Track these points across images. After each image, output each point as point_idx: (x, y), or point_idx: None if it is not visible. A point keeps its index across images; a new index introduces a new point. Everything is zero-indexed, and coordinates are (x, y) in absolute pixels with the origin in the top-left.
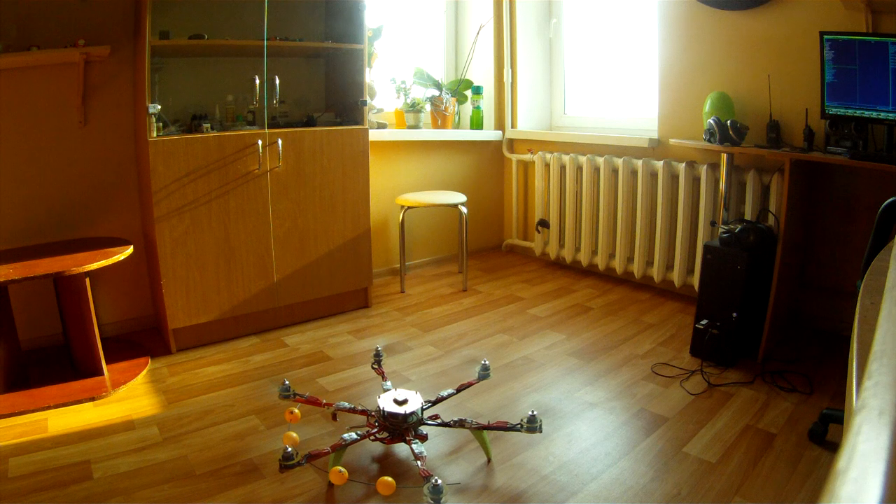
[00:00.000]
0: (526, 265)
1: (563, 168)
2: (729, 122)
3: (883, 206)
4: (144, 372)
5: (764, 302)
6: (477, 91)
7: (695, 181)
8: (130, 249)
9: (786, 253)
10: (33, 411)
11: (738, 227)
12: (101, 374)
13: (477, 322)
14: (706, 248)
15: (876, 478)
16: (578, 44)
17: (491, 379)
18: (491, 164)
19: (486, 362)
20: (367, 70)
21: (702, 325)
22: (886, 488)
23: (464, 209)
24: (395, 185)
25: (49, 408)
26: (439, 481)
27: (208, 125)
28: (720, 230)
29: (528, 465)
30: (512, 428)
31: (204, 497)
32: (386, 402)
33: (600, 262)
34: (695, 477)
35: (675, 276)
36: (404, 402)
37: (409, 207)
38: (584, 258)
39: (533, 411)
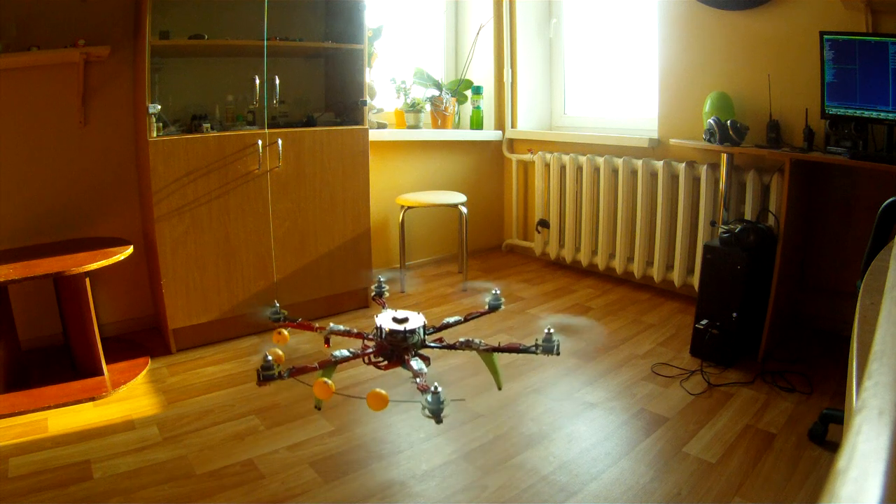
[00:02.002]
0: (526, 265)
1: (563, 168)
2: (729, 122)
3: (883, 206)
4: (144, 372)
5: (764, 302)
6: (477, 91)
7: (695, 181)
8: (130, 249)
9: (786, 253)
10: (33, 411)
11: (738, 227)
12: (101, 374)
13: (477, 322)
14: (706, 248)
15: (876, 478)
16: (578, 44)
17: (491, 379)
18: (491, 164)
19: (498, 291)
20: (367, 70)
21: (702, 325)
22: (886, 488)
23: (464, 209)
24: (395, 185)
25: (49, 408)
26: (440, 389)
27: (208, 125)
28: (720, 230)
29: (528, 465)
30: (526, 350)
31: (204, 497)
32: (384, 321)
33: (600, 262)
34: (695, 477)
35: (675, 276)
36: (404, 320)
37: (409, 207)
38: (584, 258)
39: (549, 329)
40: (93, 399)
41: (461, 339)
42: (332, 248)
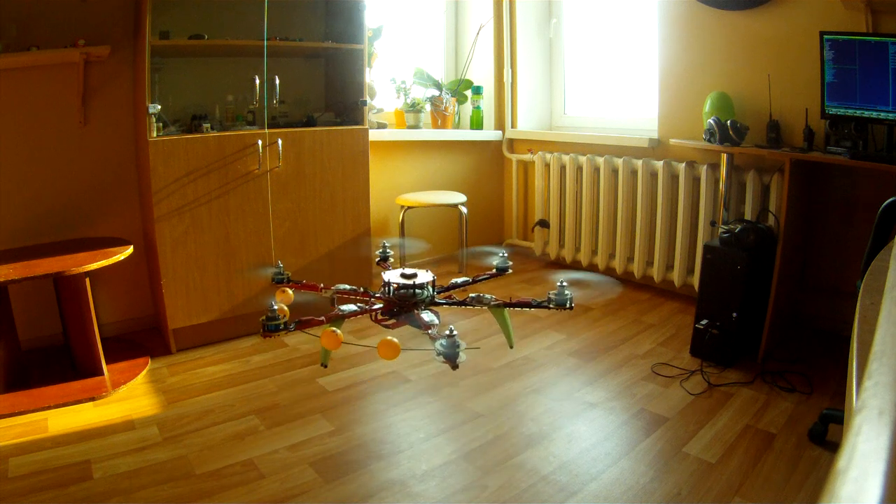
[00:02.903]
0: (526, 265)
1: (563, 168)
2: (729, 122)
3: (883, 206)
4: (144, 372)
5: (764, 302)
6: (477, 91)
7: (695, 181)
8: (130, 249)
9: (786, 253)
10: (33, 411)
11: (738, 227)
12: (101, 374)
13: (477, 322)
14: (706, 248)
15: (876, 478)
16: (578, 44)
17: (491, 379)
18: (491, 164)
19: (504, 253)
20: (367, 70)
21: (702, 325)
22: (886, 488)
23: (464, 209)
24: (395, 185)
25: (49, 408)
26: (455, 332)
27: (208, 125)
28: (720, 230)
29: (528, 465)
30: (540, 305)
31: (204, 497)
32: (392, 276)
33: (600, 262)
34: (695, 477)
35: (675, 276)
36: (413, 276)
37: (409, 207)
38: (584, 258)
39: (562, 282)
40: (93, 399)
41: (471, 295)
42: (333, 249)
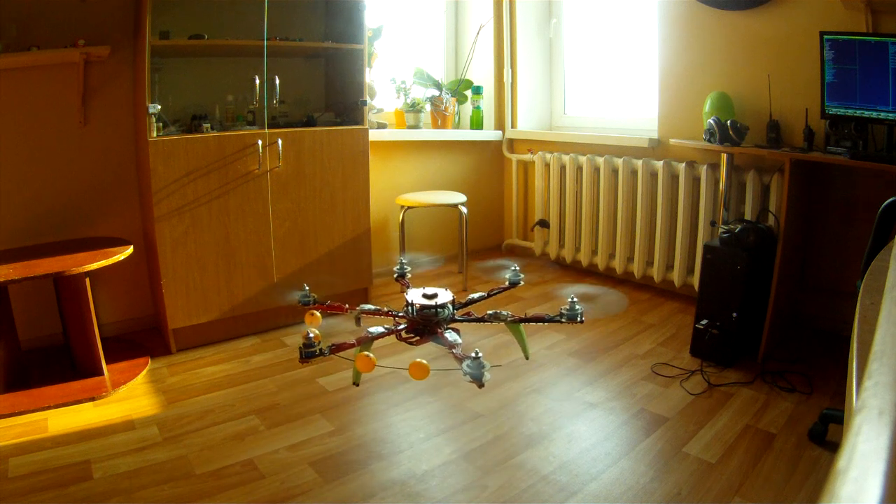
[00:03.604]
0: (526, 265)
1: (563, 168)
2: (729, 122)
3: (883, 206)
4: (144, 372)
5: (764, 302)
6: (477, 91)
7: (695, 181)
8: (130, 249)
9: (786, 253)
10: (33, 411)
11: (738, 227)
12: (101, 374)
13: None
14: (706, 248)
15: (876, 478)
16: (578, 44)
17: (491, 379)
18: (491, 164)
19: (517, 267)
20: (367, 70)
21: (702, 325)
22: (886, 488)
23: (464, 209)
24: (395, 185)
25: (49, 408)
26: (480, 354)
27: (208, 125)
28: (720, 230)
29: (528, 465)
30: (552, 319)
31: (204, 497)
32: (415, 296)
33: (600, 262)
34: (695, 477)
35: (675, 276)
36: (434, 296)
37: (409, 207)
38: (584, 258)
39: (572, 297)
40: (93, 399)
41: (489, 312)
42: (333, 249)
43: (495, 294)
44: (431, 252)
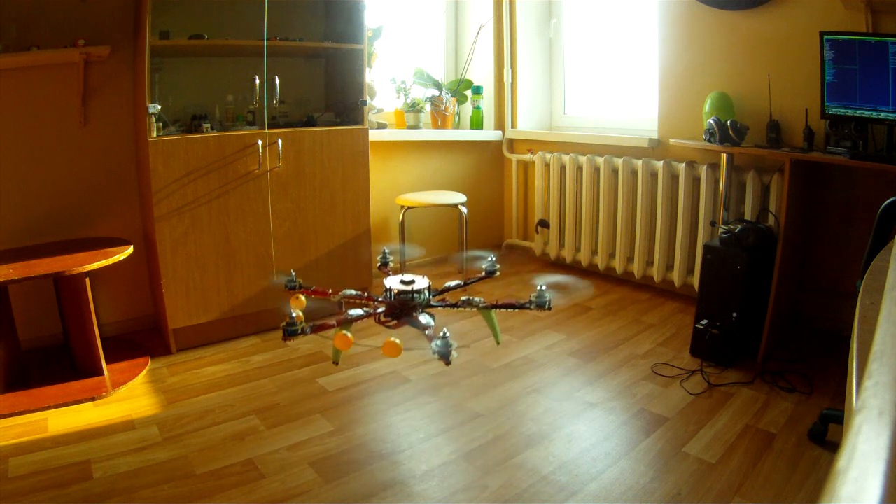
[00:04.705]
0: (526, 265)
1: (563, 168)
2: (729, 122)
3: (883, 206)
4: (144, 372)
5: (764, 302)
6: (477, 91)
7: (695, 181)
8: (130, 249)
9: (786, 253)
10: (33, 411)
11: (738, 227)
12: (101, 374)
13: (477, 322)
14: (706, 248)
15: (876, 478)
16: (578, 44)
17: (491, 379)
18: (491, 164)
19: (493, 258)
20: (367, 70)
21: (702, 325)
22: (886, 488)
23: (464, 209)
24: (395, 185)
25: (49, 408)
26: (448, 334)
27: (208, 125)
28: (720, 230)
29: (528, 465)
30: (522, 306)
31: (204, 497)
32: (393, 283)
33: (600, 262)
34: (695, 477)
35: (675, 276)
36: (411, 282)
37: (409, 207)
38: (584, 258)
39: (541, 286)
40: (93, 399)
41: (462, 298)
42: (332, 249)
43: (472, 283)
44: (431, 252)
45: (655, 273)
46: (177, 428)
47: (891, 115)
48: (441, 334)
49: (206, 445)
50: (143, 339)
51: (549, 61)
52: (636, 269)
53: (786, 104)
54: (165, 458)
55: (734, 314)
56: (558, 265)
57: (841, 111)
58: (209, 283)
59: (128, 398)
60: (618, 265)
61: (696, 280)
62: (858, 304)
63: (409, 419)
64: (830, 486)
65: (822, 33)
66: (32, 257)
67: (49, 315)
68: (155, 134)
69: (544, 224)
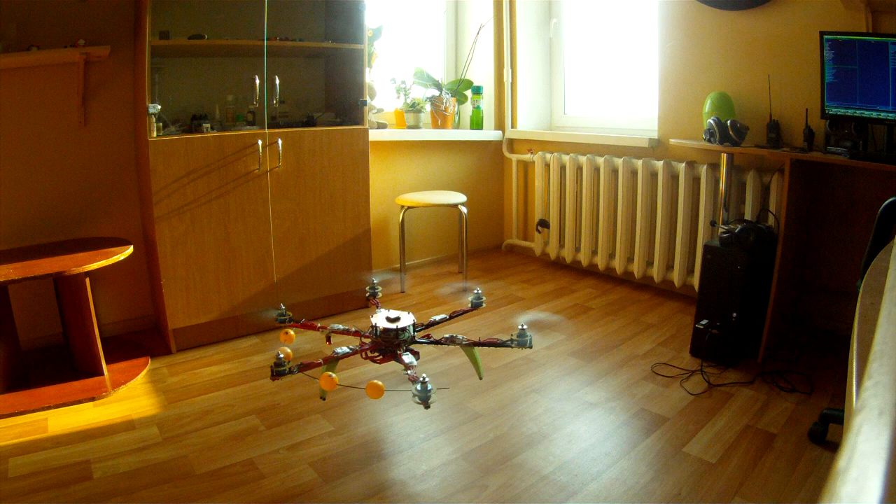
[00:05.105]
0: (526, 265)
1: (563, 168)
2: (729, 122)
3: (883, 206)
4: (144, 372)
5: (764, 302)
6: (477, 91)
7: (695, 181)
8: (130, 249)
9: (786, 253)
10: (33, 411)
11: (738, 227)
12: (101, 374)
13: (477, 322)
14: (706, 248)
15: (876, 478)
16: (578, 44)
17: (491, 379)
18: (491, 164)
19: (479, 291)
20: (367, 70)
21: (702, 325)
22: (886, 488)
23: (464, 209)
24: (395, 185)
25: (49, 408)
26: (427, 379)
27: (208, 125)
28: (720, 230)
29: (528, 465)
30: (503, 344)
31: (204, 497)
32: (378, 320)
33: (600, 262)
34: (695, 477)
35: (675, 276)
36: (396, 319)
37: (409, 207)
38: (584, 258)
39: (523, 325)
40: (93, 399)
41: (445, 336)
42: (332, 248)
43: (456, 316)
44: (431, 252)
45: (655, 273)
46: (177, 428)
47: (891, 115)
48: (421, 379)
49: (206, 445)
50: (143, 339)
51: (549, 61)
52: (636, 269)
53: (786, 104)
54: (165, 458)
55: (734, 314)
56: (558, 265)
57: (841, 111)
58: (209, 283)
59: (128, 398)
60: (618, 265)
61: (696, 280)
62: (858, 304)
63: (409, 419)
64: (830, 486)
65: (822, 33)
66: (32, 257)
67: (49, 315)
68: (155, 134)
69: (544, 224)
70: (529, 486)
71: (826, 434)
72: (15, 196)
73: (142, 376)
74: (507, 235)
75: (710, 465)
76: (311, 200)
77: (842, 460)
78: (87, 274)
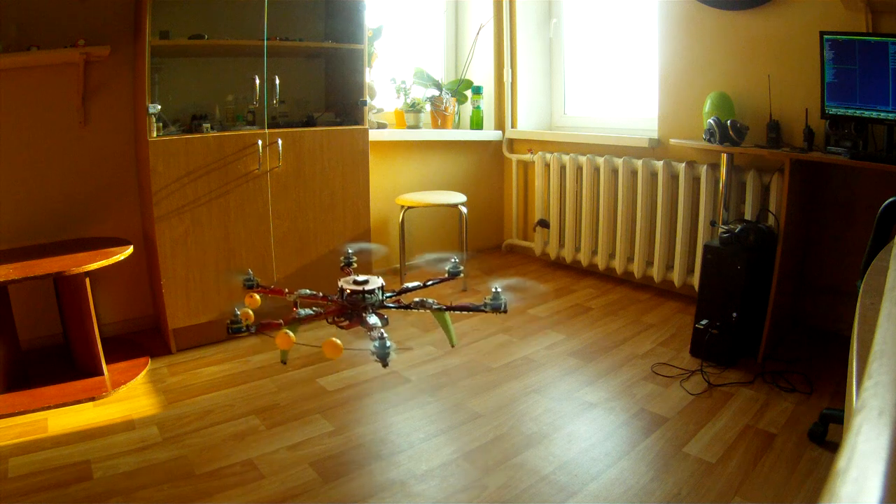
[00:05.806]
0: (526, 265)
1: (562, 168)
2: (729, 122)
3: (883, 206)
4: (144, 372)
5: (764, 302)
6: (477, 91)
7: (695, 181)
8: (130, 249)
9: (786, 253)
10: (33, 411)
11: (738, 227)
12: (101, 374)
13: (477, 322)
14: (706, 248)
15: (876, 478)
16: (578, 44)
17: (491, 379)
18: (491, 164)
19: (456, 259)
20: (367, 70)
21: (702, 325)
22: (886, 488)
23: (464, 209)
24: (395, 185)
25: (49, 408)
26: (386, 335)
27: (208, 125)
28: (720, 230)
29: (528, 465)
30: (476, 308)
31: (204, 497)
32: (346, 282)
33: (600, 262)
34: (695, 477)
35: (675, 276)
36: (364, 282)
37: (409, 207)
38: (584, 258)
39: (496, 287)
40: (93, 399)
41: (416, 300)
42: (333, 248)
43: (431, 285)
44: (431, 252)
45: (655, 273)
46: (177, 428)
47: (891, 115)
48: (378, 335)
49: (206, 445)
50: (143, 339)
51: (549, 61)
52: (636, 268)
53: (786, 104)
54: (165, 458)
55: (734, 314)
56: (558, 265)
57: (841, 111)
58: (209, 283)
59: (128, 398)
60: (618, 265)
61: (696, 280)
62: (858, 304)
63: (409, 419)
64: (830, 486)
65: (822, 33)
66: (32, 257)
67: (49, 315)
68: (155, 134)
69: (544, 224)
70: (529, 486)
71: (826, 434)
72: (15, 196)
73: (142, 376)
74: (507, 235)
75: (709, 466)
76: (311, 200)
77: (842, 460)
78: (88, 274)
